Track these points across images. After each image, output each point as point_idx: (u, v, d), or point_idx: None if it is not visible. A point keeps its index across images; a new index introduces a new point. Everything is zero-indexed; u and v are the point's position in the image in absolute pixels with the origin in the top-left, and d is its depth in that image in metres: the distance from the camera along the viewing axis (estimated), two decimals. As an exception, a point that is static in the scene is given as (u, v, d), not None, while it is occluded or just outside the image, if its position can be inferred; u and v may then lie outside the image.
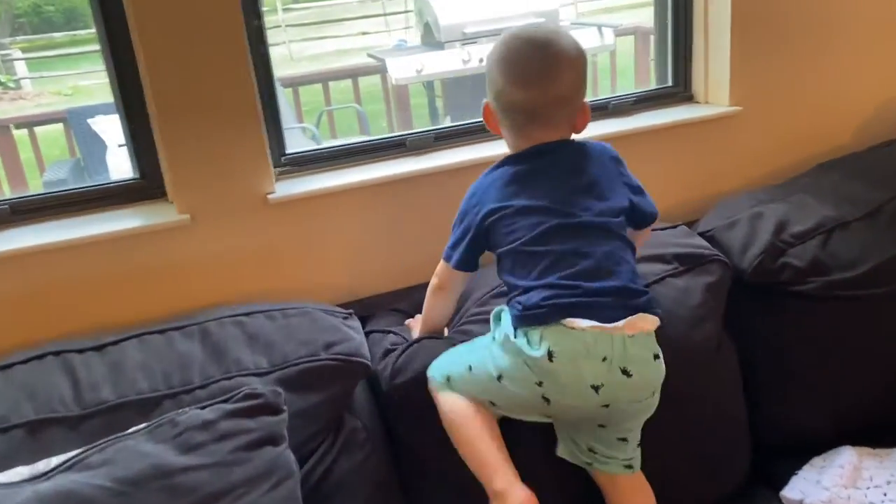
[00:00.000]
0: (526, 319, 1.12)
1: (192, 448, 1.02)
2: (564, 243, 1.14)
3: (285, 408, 1.13)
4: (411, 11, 10.03)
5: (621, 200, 1.21)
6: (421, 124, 5.49)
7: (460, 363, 1.23)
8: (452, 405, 1.22)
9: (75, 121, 3.98)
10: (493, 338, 1.21)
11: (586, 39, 4.97)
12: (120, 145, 1.52)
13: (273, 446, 1.08)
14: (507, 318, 1.18)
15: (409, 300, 1.49)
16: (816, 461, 1.44)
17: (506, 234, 1.18)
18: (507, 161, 1.24)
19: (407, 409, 1.30)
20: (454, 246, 1.25)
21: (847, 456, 1.42)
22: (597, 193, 1.19)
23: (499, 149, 1.39)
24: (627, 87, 5.62)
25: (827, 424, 1.49)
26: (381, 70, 5.00)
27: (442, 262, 1.28)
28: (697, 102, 1.80)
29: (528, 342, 1.12)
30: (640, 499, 1.25)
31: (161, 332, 1.26)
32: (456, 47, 4.78)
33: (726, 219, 1.55)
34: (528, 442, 1.26)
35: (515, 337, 1.13)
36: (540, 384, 1.12)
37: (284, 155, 1.51)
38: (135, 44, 1.32)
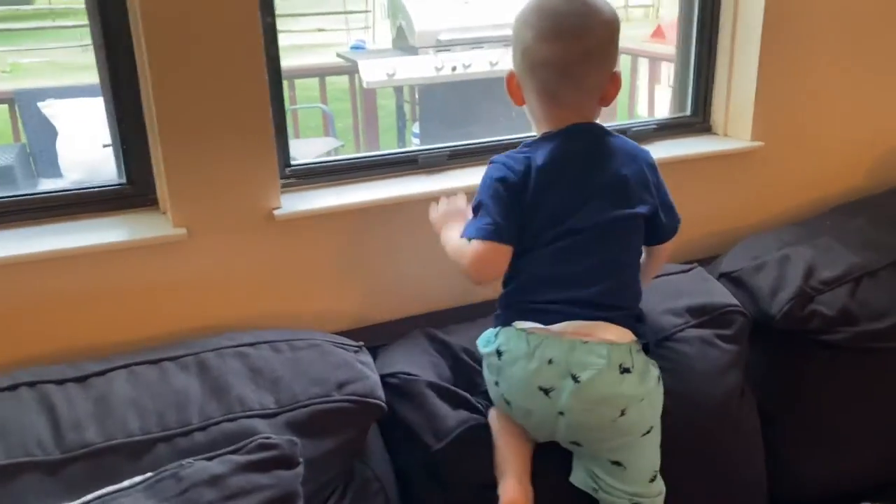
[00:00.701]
0: (495, 320, 1.18)
1: (199, 508, 0.89)
2: (561, 244, 1.12)
3: (301, 460, 1.00)
4: (369, 12, 9.90)
5: (643, 209, 1.15)
6: (387, 126, 5.35)
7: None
8: (492, 417, 1.20)
9: (24, 103, 3.72)
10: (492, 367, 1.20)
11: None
12: (105, 145, 1.35)
13: (289, 505, 0.95)
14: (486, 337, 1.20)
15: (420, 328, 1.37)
16: (835, 519, 1.39)
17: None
18: (538, 144, 1.16)
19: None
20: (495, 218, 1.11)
21: (869, 516, 1.36)
22: (618, 197, 1.14)
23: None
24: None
25: (846, 480, 1.43)
26: (350, 71, 4.86)
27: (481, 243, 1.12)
28: (716, 134, 1.73)
29: (487, 342, 1.17)
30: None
31: (153, 362, 1.11)
32: (429, 53, 4.67)
33: (752, 260, 1.48)
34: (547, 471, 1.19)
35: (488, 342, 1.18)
36: (497, 384, 1.16)
37: (290, 166, 1.38)
38: (137, 36, 1.18)
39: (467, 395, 1.22)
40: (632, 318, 1.14)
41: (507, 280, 1.18)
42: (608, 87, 1.16)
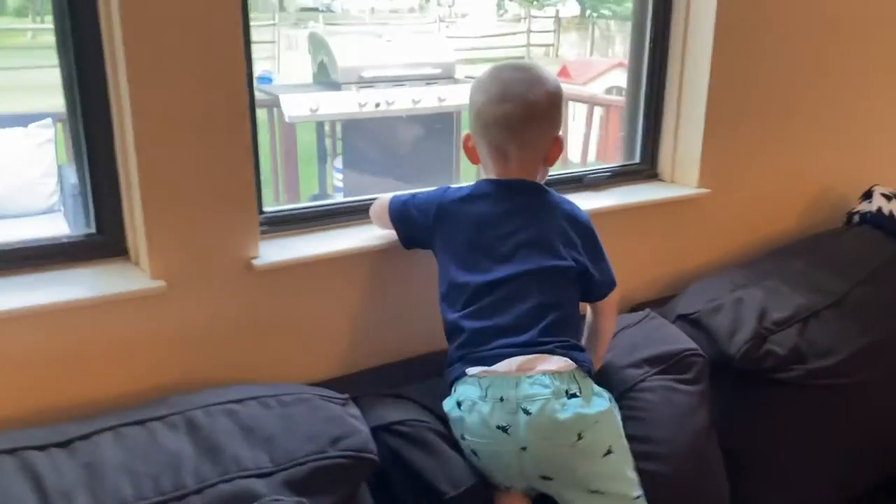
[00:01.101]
0: (448, 378, 1.23)
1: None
2: (493, 295, 1.21)
3: (310, 521, 0.97)
4: (274, 42, 9.82)
5: (569, 263, 1.25)
6: (306, 157, 5.30)
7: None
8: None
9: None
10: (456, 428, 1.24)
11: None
12: (73, 195, 1.29)
13: (300, 570, 0.93)
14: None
15: (399, 376, 1.37)
16: (793, 548, 1.46)
17: (448, 254, 1.26)
18: (478, 187, 1.29)
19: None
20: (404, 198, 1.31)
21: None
22: (546, 250, 1.24)
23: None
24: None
25: (801, 511, 1.51)
26: (270, 104, 4.81)
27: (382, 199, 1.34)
28: (663, 181, 1.82)
29: (449, 401, 1.22)
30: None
31: (140, 423, 1.06)
32: (352, 89, 4.68)
33: (709, 302, 1.56)
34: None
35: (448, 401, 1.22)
36: (463, 437, 1.20)
37: (262, 213, 1.36)
38: (115, 83, 1.14)
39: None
40: (570, 347, 1.20)
41: (451, 338, 1.25)
42: (552, 148, 1.29)
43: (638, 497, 1.21)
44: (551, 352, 1.17)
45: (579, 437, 1.14)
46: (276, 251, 1.30)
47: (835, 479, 1.52)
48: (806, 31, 1.80)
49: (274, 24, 9.26)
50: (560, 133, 1.30)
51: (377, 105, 4.64)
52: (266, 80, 6.21)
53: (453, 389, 1.22)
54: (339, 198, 4.68)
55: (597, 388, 1.21)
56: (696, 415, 1.40)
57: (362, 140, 4.74)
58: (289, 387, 1.19)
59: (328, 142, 5.13)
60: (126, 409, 1.10)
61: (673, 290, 1.72)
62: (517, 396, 1.14)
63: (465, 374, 1.19)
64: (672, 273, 1.78)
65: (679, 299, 1.63)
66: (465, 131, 1.32)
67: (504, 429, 1.14)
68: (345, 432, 1.13)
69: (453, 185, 1.33)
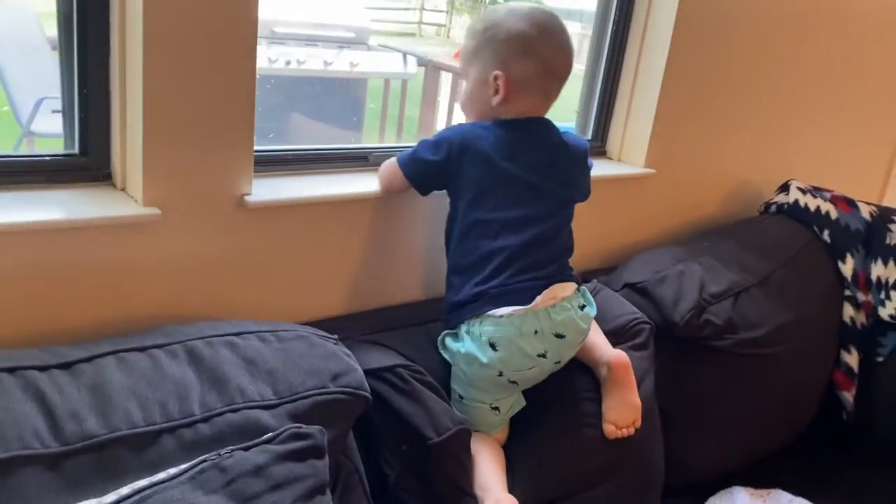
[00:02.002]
0: (457, 318, 1.28)
1: (249, 499, 0.86)
2: (524, 232, 1.27)
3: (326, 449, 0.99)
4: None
5: (576, 193, 1.38)
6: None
7: (454, 400, 1.33)
8: (476, 445, 1.28)
9: None
10: (453, 362, 1.31)
11: (391, 65, 5.04)
12: (54, 111, 1.22)
13: (322, 495, 0.94)
14: (453, 341, 1.29)
15: (381, 322, 1.39)
16: (713, 501, 1.61)
17: (472, 188, 1.27)
18: (496, 123, 1.30)
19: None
20: (415, 158, 1.31)
21: (741, 498, 1.60)
22: (570, 183, 1.35)
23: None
24: (414, 116, 5.75)
25: (724, 464, 1.67)
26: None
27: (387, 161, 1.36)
28: (610, 159, 1.93)
29: (473, 344, 1.25)
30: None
31: (141, 350, 1.03)
32: (262, 44, 4.54)
33: (654, 273, 1.67)
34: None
35: (462, 345, 1.27)
36: (501, 374, 1.26)
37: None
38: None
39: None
40: (571, 270, 1.34)
41: (468, 274, 1.28)
42: None
43: None
44: (563, 279, 1.29)
45: (587, 333, 1.34)
46: (268, 190, 1.28)
47: (754, 437, 1.69)
48: (748, 38, 1.95)
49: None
50: None
51: (287, 63, 4.52)
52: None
53: (469, 330, 1.25)
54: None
55: (586, 290, 1.35)
56: (646, 378, 1.50)
57: (267, 97, 4.60)
58: (283, 324, 1.19)
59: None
60: (122, 335, 1.06)
61: (615, 262, 1.82)
62: (550, 327, 1.25)
63: (490, 315, 1.23)
64: (615, 246, 1.89)
65: (624, 270, 1.74)
66: (495, 70, 1.27)
67: (543, 354, 1.26)
68: (342, 369, 1.15)
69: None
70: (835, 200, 1.98)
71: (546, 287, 1.25)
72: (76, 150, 1.19)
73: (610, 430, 1.38)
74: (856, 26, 2.28)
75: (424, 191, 1.35)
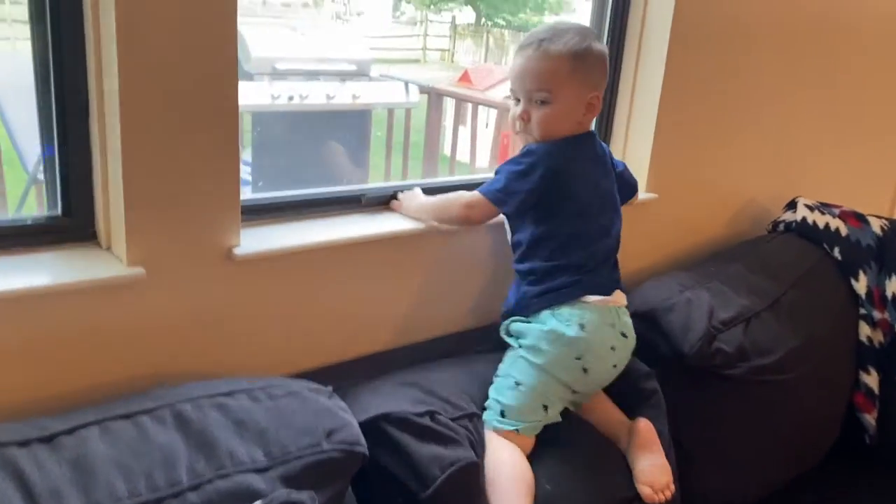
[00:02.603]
0: (557, 297, 1.34)
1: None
2: (603, 240, 1.40)
3: (319, 515, 0.95)
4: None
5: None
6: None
7: (505, 388, 1.32)
8: (511, 456, 1.26)
9: None
10: (519, 345, 1.34)
11: (393, 94, 5.04)
12: (39, 175, 1.20)
13: (314, 566, 0.90)
14: (526, 326, 1.35)
15: (376, 367, 1.36)
16: (734, 534, 1.56)
17: (562, 208, 1.35)
18: (567, 142, 1.37)
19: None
20: (510, 193, 1.34)
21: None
22: (615, 190, 1.47)
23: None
24: (420, 141, 5.76)
25: (739, 495, 1.61)
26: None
27: (486, 202, 1.36)
28: (612, 184, 1.89)
29: (559, 323, 1.31)
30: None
31: (126, 417, 1.00)
32: (265, 81, 4.56)
33: (662, 301, 1.63)
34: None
35: (543, 325, 1.32)
36: (578, 358, 1.31)
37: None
38: (96, 43, 1.07)
39: (448, 429, 1.22)
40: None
41: (554, 258, 1.35)
42: None
43: None
44: (621, 288, 1.41)
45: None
46: (257, 241, 1.26)
47: (772, 465, 1.63)
48: (746, 55, 1.92)
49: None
50: None
51: (290, 98, 4.54)
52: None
53: (555, 313, 1.32)
54: (245, 190, 4.55)
55: None
56: (658, 423, 1.46)
57: (272, 133, 4.62)
58: (274, 380, 1.16)
59: (235, 133, 4.95)
60: (107, 402, 1.04)
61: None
62: (620, 324, 1.37)
63: (583, 300, 1.33)
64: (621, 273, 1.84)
65: (631, 297, 1.68)
66: (594, 92, 1.38)
67: (614, 349, 1.36)
68: (337, 425, 1.11)
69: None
70: (844, 216, 1.93)
71: (616, 289, 1.39)
72: (59, 210, 1.17)
73: (647, 492, 1.35)
74: (858, 36, 2.25)
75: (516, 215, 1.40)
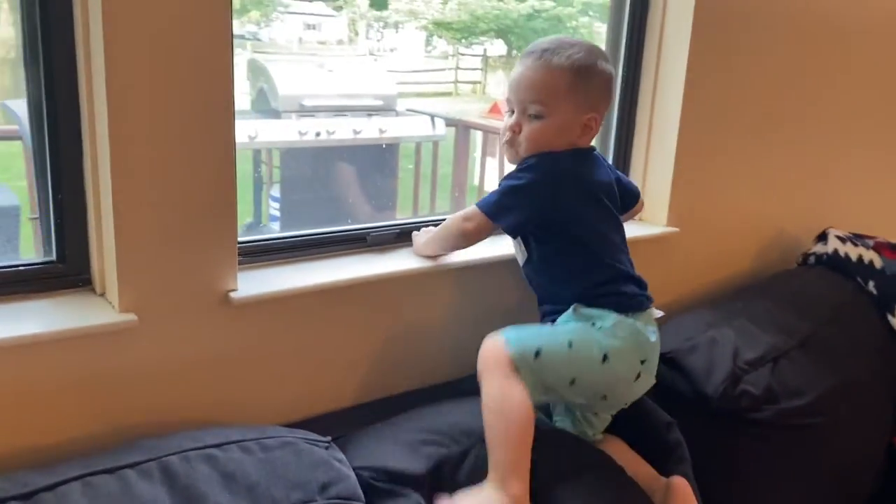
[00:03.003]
0: (630, 306, 1.28)
1: None
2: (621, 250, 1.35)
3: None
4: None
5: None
6: (242, 188, 5.16)
7: (556, 340, 1.24)
8: (520, 397, 1.16)
9: None
10: (594, 324, 1.25)
11: (419, 128, 5.05)
12: (32, 217, 1.19)
13: None
14: (601, 311, 1.26)
15: (384, 412, 1.30)
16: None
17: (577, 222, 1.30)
18: (566, 154, 1.31)
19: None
20: (506, 207, 1.29)
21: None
22: (613, 201, 1.38)
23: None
24: (448, 173, 5.74)
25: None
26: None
27: (481, 213, 1.30)
28: (632, 219, 1.82)
29: (642, 326, 1.28)
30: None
31: (110, 471, 0.97)
32: (292, 118, 4.60)
33: (685, 341, 1.55)
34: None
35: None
36: (643, 361, 1.27)
37: (238, 243, 1.28)
38: (88, 85, 1.06)
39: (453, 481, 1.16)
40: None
41: (590, 272, 1.30)
42: None
43: None
44: (651, 304, 1.33)
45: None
46: (254, 284, 1.22)
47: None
48: (766, 78, 1.86)
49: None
50: None
51: (317, 134, 4.57)
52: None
53: (645, 322, 1.29)
54: (274, 226, 4.57)
55: None
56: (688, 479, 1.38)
57: (300, 169, 4.65)
58: (269, 429, 1.12)
59: (264, 169, 5.01)
60: (93, 454, 1.00)
61: (643, 329, 1.71)
62: (647, 343, 1.29)
63: (618, 311, 1.26)
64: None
65: (653, 338, 1.62)
66: (591, 113, 1.32)
67: (643, 361, 1.28)
68: (332, 479, 1.06)
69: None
70: (878, 248, 1.84)
71: (643, 295, 1.33)
72: (53, 256, 1.15)
73: None
74: (890, 56, 2.17)
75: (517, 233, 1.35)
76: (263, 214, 4.93)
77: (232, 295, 1.18)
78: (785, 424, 1.51)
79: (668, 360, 1.53)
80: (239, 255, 1.26)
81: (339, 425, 1.25)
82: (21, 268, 1.13)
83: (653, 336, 1.30)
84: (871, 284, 1.80)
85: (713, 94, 1.75)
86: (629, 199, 1.46)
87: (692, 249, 1.82)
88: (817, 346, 1.63)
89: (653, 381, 1.33)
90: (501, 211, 1.28)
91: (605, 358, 1.23)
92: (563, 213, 1.28)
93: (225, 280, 1.18)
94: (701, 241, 1.84)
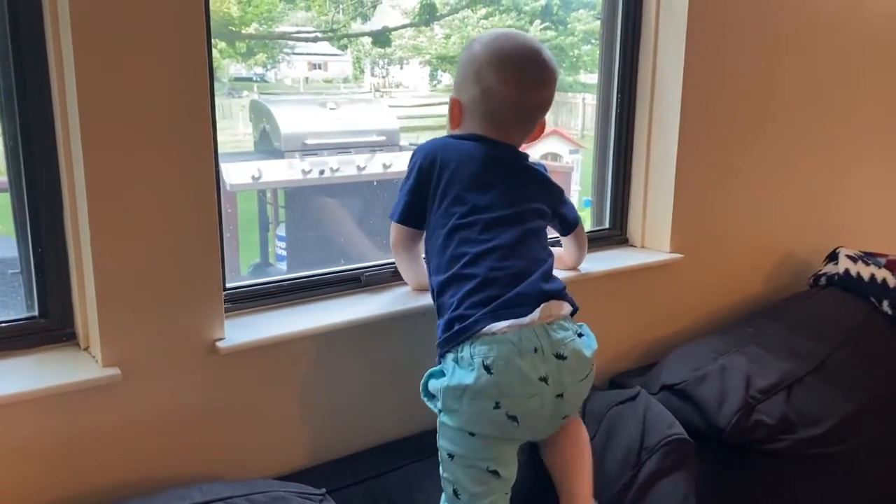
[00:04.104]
0: (447, 345, 1.12)
1: None
2: (502, 236, 1.16)
3: None
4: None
5: (543, 205, 1.25)
6: (246, 225, 5.16)
7: (446, 468, 1.13)
8: None
9: None
10: (439, 410, 1.12)
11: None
12: (13, 272, 1.16)
13: None
14: (437, 381, 1.12)
15: (371, 463, 1.26)
16: None
17: (448, 194, 1.19)
18: (478, 139, 1.23)
19: None
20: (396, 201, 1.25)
21: None
22: (526, 195, 1.23)
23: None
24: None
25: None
26: (210, 173, 4.68)
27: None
28: (633, 246, 1.79)
29: (462, 371, 1.09)
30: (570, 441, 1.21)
31: (92, 535, 0.93)
32: (296, 157, 4.61)
33: (693, 371, 1.50)
34: None
35: (445, 379, 1.10)
36: (497, 405, 1.08)
37: (226, 290, 1.25)
38: (65, 139, 1.04)
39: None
40: (564, 291, 1.18)
41: (453, 287, 1.14)
42: (537, 129, 1.29)
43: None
44: (561, 297, 1.16)
45: (592, 367, 1.16)
46: (243, 331, 1.19)
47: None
48: (765, 99, 1.82)
49: (209, 94, 9.17)
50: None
51: (321, 172, 4.56)
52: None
53: (458, 357, 1.09)
54: (281, 266, 4.56)
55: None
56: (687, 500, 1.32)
57: (305, 207, 4.64)
58: (260, 484, 1.08)
59: (270, 209, 5.01)
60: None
61: (652, 358, 1.67)
62: (551, 344, 1.10)
63: (485, 332, 1.08)
64: (649, 340, 1.73)
65: (661, 368, 1.57)
66: (452, 95, 1.25)
67: (545, 379, 1.09)
68: (325, 534, 1.02)
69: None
70: (891, 266, 1.79)
71: (543, 301, 1.12)
72: (36, 311, 1.12)
73: None
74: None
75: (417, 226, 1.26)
76: (271, 254, 4.92)
77: (219, 344, 1.15)
78: (803, 454, 1.45)
79: (677, 393, 1.49)
80: (227, 301, 1.24)
81: (335, 477, 1.21)
82: (2, 324, 1.11)
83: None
84: (885, 304, 1.74)
85: (711, 115, 1.72)
86: (565, 226, 1.41)
87: (698, 276, 1.78)
88: (833, 371, 1.58)
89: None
90: (394, 207, 1.27)
91: (471, 434, 1.10)
92: (448, 196, 1.21)
93: (211, 329, 1.15)
94: (707, 267, 1.79)
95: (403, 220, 1.25)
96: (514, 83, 1.21)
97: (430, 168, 1.21)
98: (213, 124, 1.14)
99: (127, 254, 1.05)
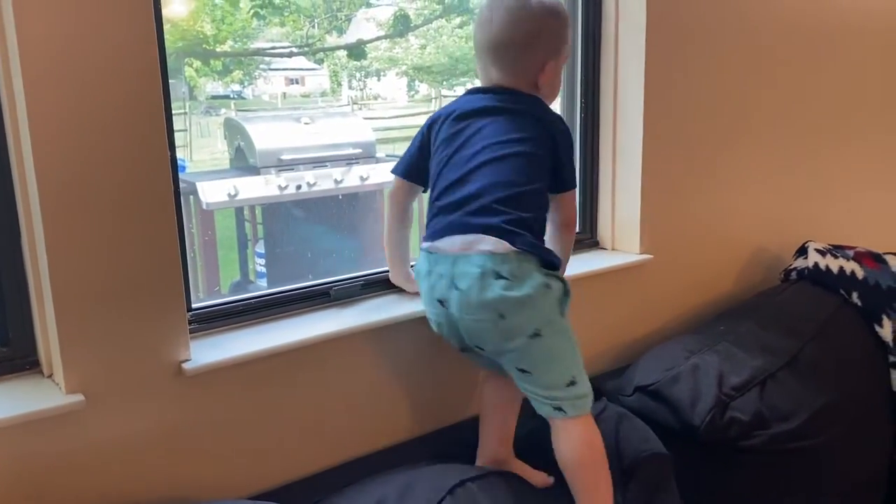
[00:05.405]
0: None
1: None
2: (456, 171, 1.22)
3: None
4: (185, 130, 9.67)
5: (536, 150, 1.25)
6: (225, 243, 5.13)
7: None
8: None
9: None
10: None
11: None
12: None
13: None
14: None
15: (350, 478, 1.25)
16: None
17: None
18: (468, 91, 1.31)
19: None
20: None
21: None
22: (514, 131, 1.24)
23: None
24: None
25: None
26: (186, 192, 4.66)
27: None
28: (604, 249, 1.79)
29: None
30: (567, 443, 1.20)
31: (56, 566, 0.91)
32: (271, 173, 4.60)
33: (665, 371, 1.51)
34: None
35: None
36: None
37: (191, 310, 1.24)
38: (18, 155, 1.03)
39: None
40: (514, 229, 1.17)
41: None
42: (535, 72, 1.28)
43: (573, 382, 1.19)
44: (491, 232, 1.16)
45: (501, 316, 1.15)
46: (209, 352, 1.18)
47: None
48: (729, 96, 1.84)
49: (185, 113, 9.14)
50: (551, 60, 1.28)
51: (298, 187, 4.55)
52: (178, 168, 6.04)
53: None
54: (262, 283, 4.53)
55: (540, 273, 1.17)
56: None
57: (284, 223, 4.62)
58: (231, 504, 1.06)
59: (248, 227, 4.98)
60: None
61: (626, 360, 1.67)
62: (452, 273, 1.17)
63: (422, 248, 1.23)
64: (624, 342, 1.74)
65: (634, 370, 1.57)
66: None
67: (441, 302, 1.19)
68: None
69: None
70: (859, 257, 1.80)
71: (464, 233, 1.17)
72: (-1, 341, 1.11)
73: None
74: (865, 62, 2.16)
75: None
76: (251, 271, 4.89)
77: (185, 365, 1.14)
78: (778, 450, 1.45)
79: (651, 394, 1.49)
80: (194, 322, 1.23)
81: (310, 492, 1.20)
82: (-38, 355, 1.09)
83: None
84: (854, 296, 1.75)
85: (676, 116, 1.73)
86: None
87: (669, 276, 1.79)
88: (805, 365, 1.58)
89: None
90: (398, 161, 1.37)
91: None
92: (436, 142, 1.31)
93: (176, 350, 1.14)
94: (678, 267, 1.80)
95: (400, 171, 1.34)
96: (478, 28, 1.31)
97: (429, 127, 1.30)
98: (172, 144, 1.13)
99: (86, 278, 1.04)
